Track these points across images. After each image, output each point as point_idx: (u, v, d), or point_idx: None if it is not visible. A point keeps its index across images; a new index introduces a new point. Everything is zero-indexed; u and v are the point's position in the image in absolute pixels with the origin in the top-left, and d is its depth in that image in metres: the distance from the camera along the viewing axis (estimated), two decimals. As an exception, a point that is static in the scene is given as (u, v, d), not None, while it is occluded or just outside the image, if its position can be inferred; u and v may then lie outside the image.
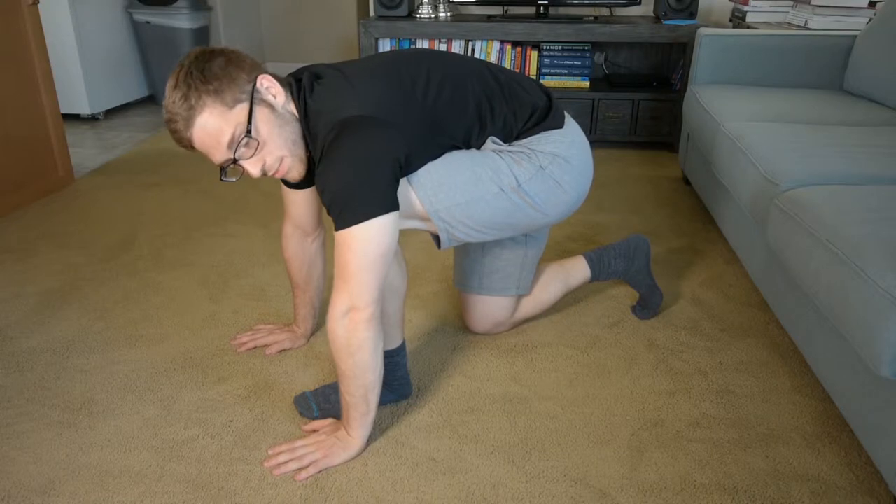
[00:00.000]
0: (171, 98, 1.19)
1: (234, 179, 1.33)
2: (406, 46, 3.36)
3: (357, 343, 1.21)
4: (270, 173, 1.28)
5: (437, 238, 1.40)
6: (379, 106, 1.23)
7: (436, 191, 1.32)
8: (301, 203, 1.53)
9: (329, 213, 1.18)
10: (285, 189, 1.52)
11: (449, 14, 3.39)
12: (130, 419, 1.42)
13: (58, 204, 2.60)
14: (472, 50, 3.39)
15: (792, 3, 3.01)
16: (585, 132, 3.27)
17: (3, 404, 1.47)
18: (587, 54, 3.32)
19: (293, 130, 1.27)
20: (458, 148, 1.37)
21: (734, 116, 2.15)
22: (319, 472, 1.27)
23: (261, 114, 1.23)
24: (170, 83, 1.20)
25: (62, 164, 2.76)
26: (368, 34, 3.29)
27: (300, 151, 1.29)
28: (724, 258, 2.15)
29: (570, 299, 1.90)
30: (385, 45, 3.40)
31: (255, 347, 1.66)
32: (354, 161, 1.16)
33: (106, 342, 1.70)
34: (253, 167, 1.25)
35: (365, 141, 1.17)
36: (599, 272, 1.75)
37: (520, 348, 1.67)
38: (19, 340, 1.71)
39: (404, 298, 1.40)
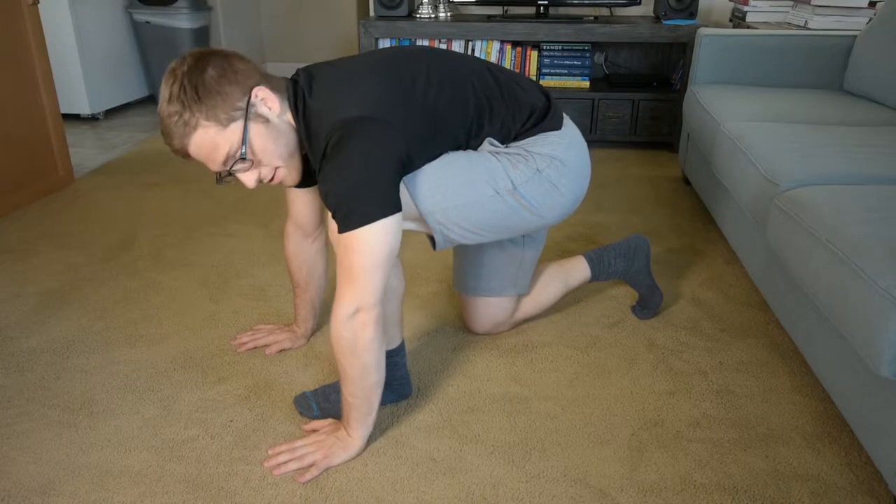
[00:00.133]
0: (167, 111, 1.19)
1: (232, 183, 1.34)
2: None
3: (363, 344, 1.21)
4: (266, 182, 1.30)
5: (432, 239, 1.39)
6: (379, 104, 1.23)
7: (431, 193, 1.32)
8: (302, 203, 1.53)
9: (333, 216, 1.18)
10: (288, 188, 1.53)
11: (449, 14, 3.39)
12: (130, 419, 1.42)
13: (58, 204, 2.60)
14: (472, 50, 3.38)
15: (792, 3, 3.01)
16: (585, 132, 3.27)
17: (3, 404, 1.47)
18: (587, 54, 3.32)
19: (289, 142, 1.28)
20: (457, 148, 1.37)
21: (734, 116, 2.14)
22: (321, 473, 1.27)
23: (255, 129, 1.23)
24: (164, 92, 1.20)
25: (62, 164, 2.76)
26: (368, 34, 3.29)
27: (295, 161, 1.31)
28: (724, 258, 2.15)
29: (570, 299, 1.90)
30: (385, 45, 3.40)
31: (255, 347, 1.66)
32: (357, 164, 1.16)
33: (106, 342, 1.70)
34: (248, 179, 1.27)
35: (367, 143, 1.17)
36: (599, 272, 1.75)
37: (520, 348, 1.67)
38: (19, 340, 1.71)
39: (402, 298, 1.40)
